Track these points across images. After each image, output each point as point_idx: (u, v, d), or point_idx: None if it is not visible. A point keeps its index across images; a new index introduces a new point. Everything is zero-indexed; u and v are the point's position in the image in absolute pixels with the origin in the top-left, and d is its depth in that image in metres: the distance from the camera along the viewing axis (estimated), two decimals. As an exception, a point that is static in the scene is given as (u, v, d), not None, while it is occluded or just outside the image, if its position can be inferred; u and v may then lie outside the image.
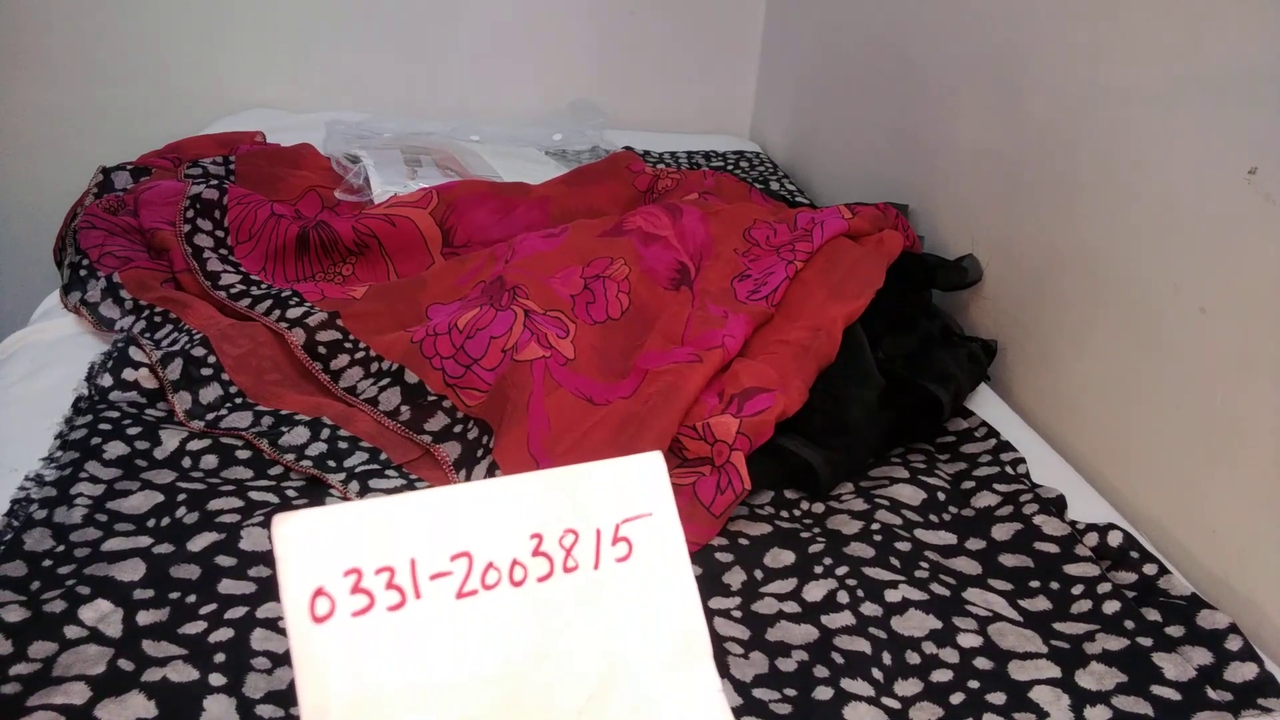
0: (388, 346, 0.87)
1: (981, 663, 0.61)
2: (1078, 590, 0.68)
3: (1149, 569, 0.70)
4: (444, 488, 0.34)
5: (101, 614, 0.58)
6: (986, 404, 0.96)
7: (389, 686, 0.32)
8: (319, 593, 0.31)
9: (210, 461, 0.75)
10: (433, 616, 0.33)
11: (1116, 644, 0.62)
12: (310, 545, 0.31)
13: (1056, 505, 0.78)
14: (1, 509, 0.67)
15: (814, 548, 0.72)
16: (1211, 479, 0.74)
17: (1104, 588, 0.67)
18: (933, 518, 0.76)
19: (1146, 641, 0.62)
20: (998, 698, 0.59)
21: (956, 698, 0.59)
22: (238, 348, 0.85)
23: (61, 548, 0.64)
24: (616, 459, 0.37)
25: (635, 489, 0.37)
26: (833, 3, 1.53)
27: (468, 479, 0.76)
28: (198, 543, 0.65)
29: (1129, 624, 0.64)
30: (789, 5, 1.72)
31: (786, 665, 0.61)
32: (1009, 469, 0.82)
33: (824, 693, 0.58)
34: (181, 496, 0.70)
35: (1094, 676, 0.60)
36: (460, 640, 0.33)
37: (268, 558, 0.64)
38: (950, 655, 0.62)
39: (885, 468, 0.83)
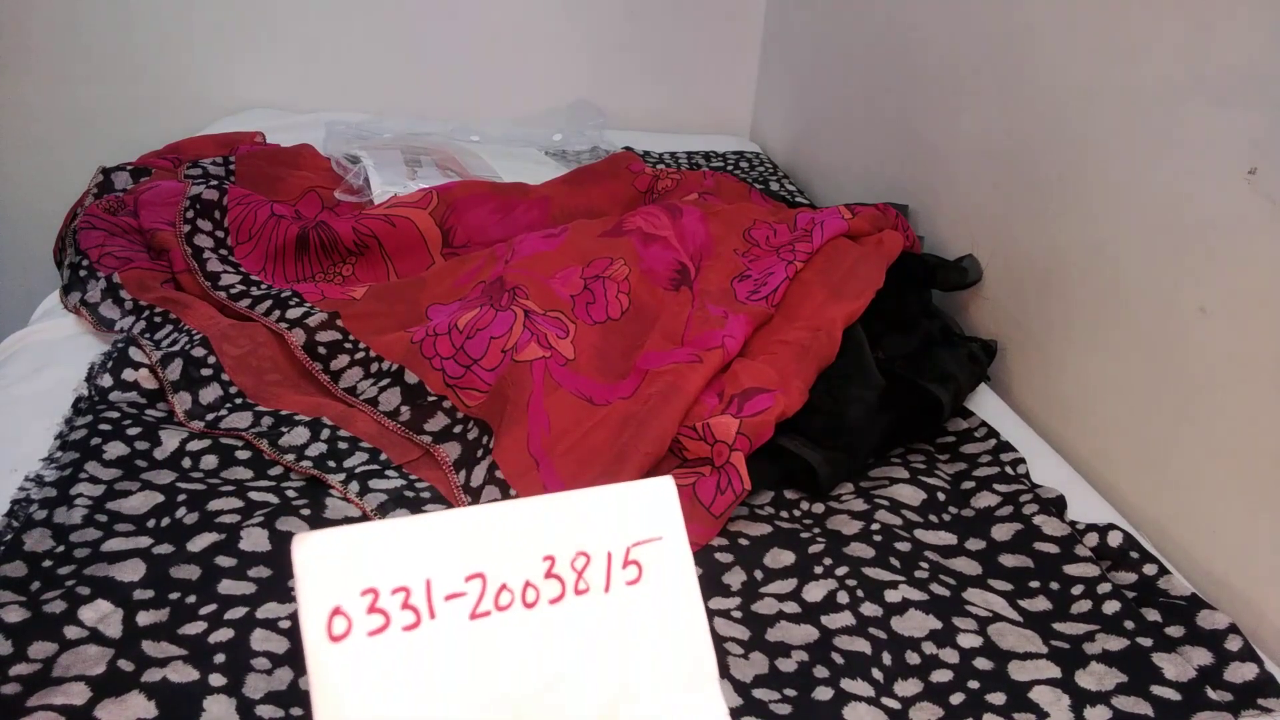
0: (388, 347, 0.87)
1: (981, 663, 0.61)
2: (1078, 590, 0.68)
3: (1149, 569, 0.70)
4: (459, 510, 0.35)
5: (101, 614, 0.58)
6: (986, 404, 0.96)
7: (403, 705, 0.32)
8: (336, 612, 0.32)
9: (210, 462, 0.75)
10: (447, 637, 0.33)
11: (1116, 644, 0.62)
12: (329, 565, 0.32)
13: (1056, 505, 0.78)
14: (1, 509, 0.67)
15: (814, 548, 0.72)
16: (1211, 479, 0.74)
17: (1104, 588, 0.67)
18: (933, 518, 0.76)
19: (1146, 642, 0.62)
20: (998, 698, 0.59)
21: (956, 698, 0.59)
22: (238, 348, 0.85)
23: (61, 548, 0.64)
24: (628, 483, 0.37)
25: (646, 512, 0.37)
26: (833, 3, 1.53)
27: (468, 479, 0.76)
28: (198, 543, 0.65)
29: (1129, 624, 0.64)
30: (789, 5, 1.72)
31: (786, 665, 0.61)
32: (1009, 469, 0.82)
33: (824, 693, 0.58)
34: (181, 497, 0.70)
35: (1094, 677, 0.60)
36: (473, 661, 0.34)
37: (268, 558, 0.64)
38: (950, 655, 0.62)
39: (885, 468, 0.83)
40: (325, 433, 0.79)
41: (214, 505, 0.69)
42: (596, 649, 0.36)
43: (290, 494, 0.72)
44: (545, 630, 0.35)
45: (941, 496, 0.79)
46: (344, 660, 0.32)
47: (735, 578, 0.68)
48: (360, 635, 0.32)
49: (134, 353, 0.84)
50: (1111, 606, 0.66)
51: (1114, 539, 0.73)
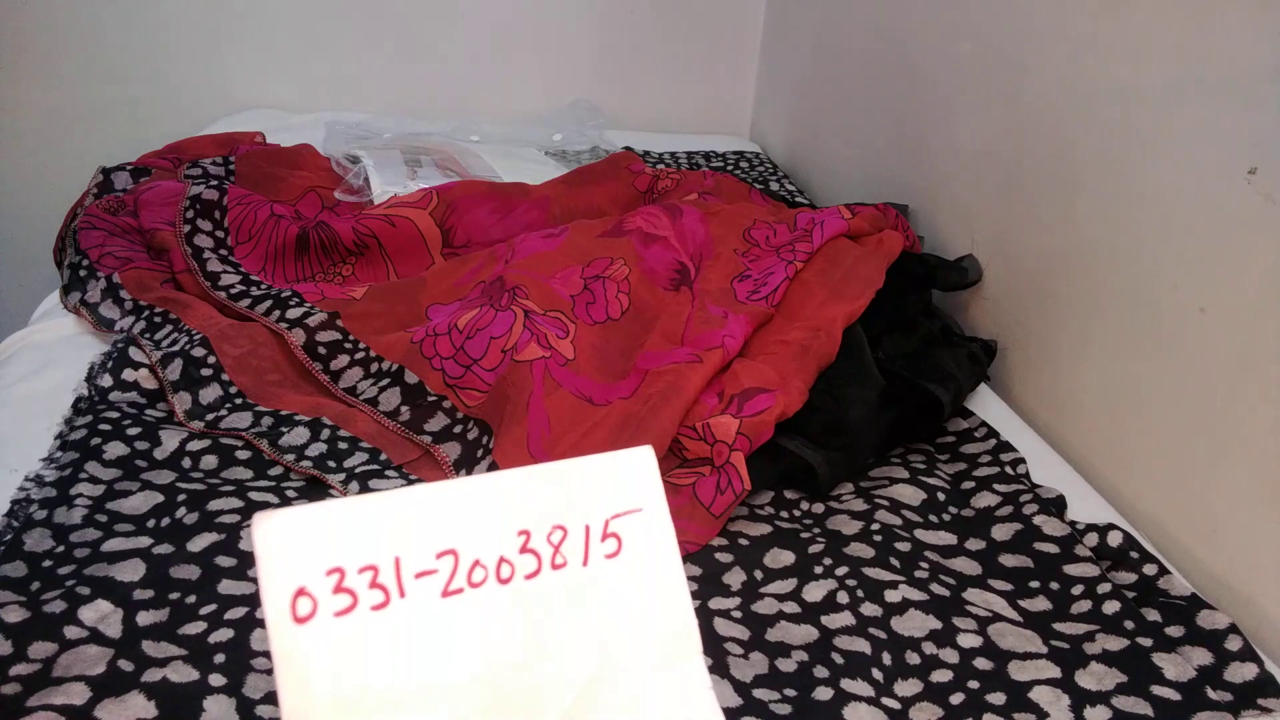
0: (388, 347, 0.87)
1: (981, 663, 0.61)
2: (1078, 590, 0.68)
3: (1149, 569, 0.70)
4: (428, 485, 0.34)
5: (101, 614, 0.58)
6: (986, 404, 0.96)
7: (373, 687, 0.32)
8: (300, 592, 0.31)
9: (210, 462, 0.75)
10: (417, 616, 0.33)
11: (1116, 644, 0.62)
12: (291, 544, 0.31)
13: (1056, 505, 0.78)
14: (1, 509, 0.67)
15: (814, 548, 0.72)
16: (1211, 479, 0.74)
17: (1104, 588, 0.67)
18: (932, 518, 0.76)
19: (1146, 642, 0.62)
20: (998, 698, 0.59)
21: (956, 698, 0.59)
22: (238, 348, 0.85)
23: (61, 548, 0.64)
24: (606, 453, 0.37)
25: (625, 484, 0.37)
26: (833, 3, 1.53)
27: (468, 479, 0.76)
28: (198, 543, 0.65)
29: (1129, 624, 0.64)
30: (789, 5, 1.73)
31: (786, 665, 0.61)
32: (1009, 469, 0.82)
33: (824, 693, 0.58)
34: (181, 497, 0.70)
35: (1094, 677, 0.60)
36: (446, 640, 0.33)
37: (268, 558, 0.64)
38: (950, 655, 0.62)
39: (885, 468, 0.83)
40: (325, 433, 0.79)
41: (214, 505, 0.69)
42: (575, 625, 0.35)
43: (290, 494, 0.72)
44: (521, 606, 0.34)
45: (941, 496, 0.79)
46: (309, 642, 0.31)
47: (735, 578, 0.68)
48: (326, 616, 0.31)
49: (134, 353, 0.84)
50: (1111, 606, 0.66)
51: (1114, 539, 0.73)
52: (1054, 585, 0.69)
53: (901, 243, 1.02)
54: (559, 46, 1.79)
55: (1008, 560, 0.72)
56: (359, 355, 0.87)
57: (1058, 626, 0.65)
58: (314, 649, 0.31)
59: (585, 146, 1.58)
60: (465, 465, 0.78)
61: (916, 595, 0.66)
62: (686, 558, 0.70)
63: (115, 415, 0.77)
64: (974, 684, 0.60)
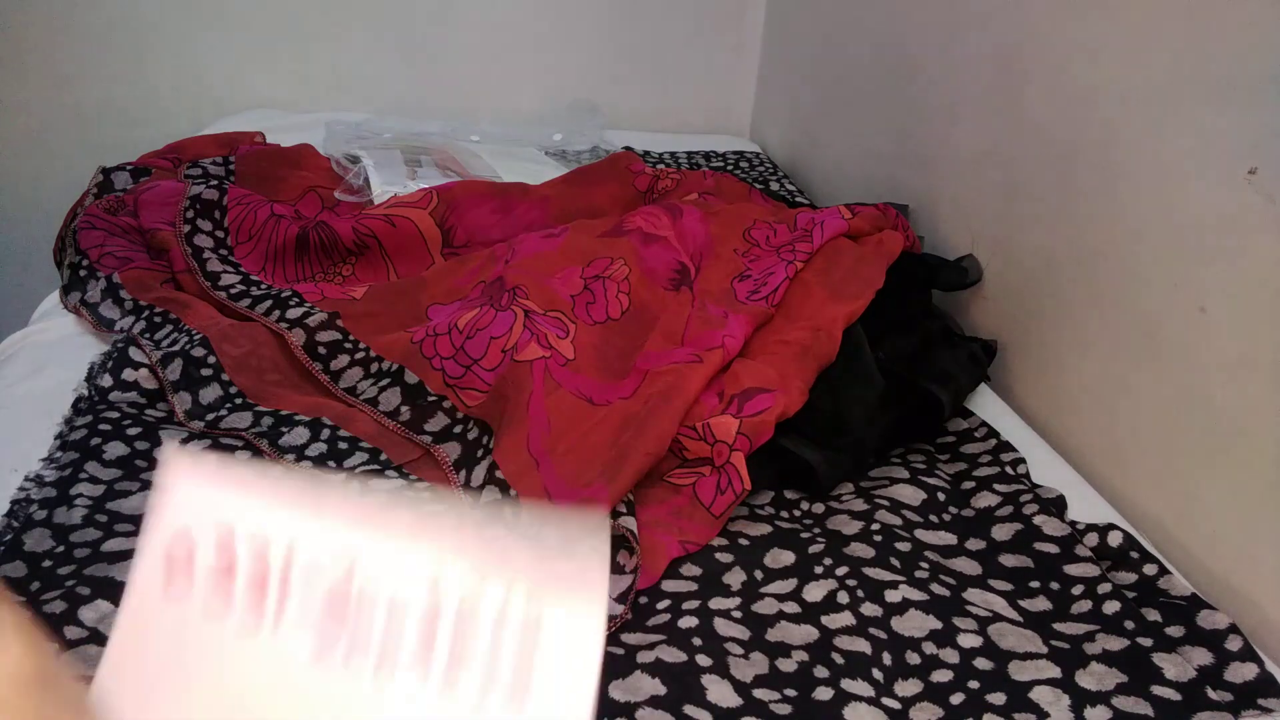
0: (388, 347, 0.87)
1: (981, 663, 0.61)
2: (1078, 590, 0.68)
3: (1149, 569, 0.70)
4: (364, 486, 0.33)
5: (101, 614, 0.58)
6: (986, 404, 0.95)
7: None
8: (183, 533, 0.31)
9: (210, 462, 0.75)
10: (293, 613, 0.32)
11: (1116, 644, 0.62)
12: (196, 486, 0.31)
13: (1056, 505, 0.78)
14: (1, 509, 0.67)
15: (814, 548, 0.72)
16: (1211, 479, 0.74)
17: (1104, 588, 0.67)
18: (933, 518, 0.76)
19: (1146, 642, 0.62)
20: (998, 698, 0.59)
21: (956, 698, 0.59)
22: (238, 348, 0.85)
23: (61, 548, 0.64)
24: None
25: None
26: (833, 3, 1.53)
27: (468, 479, 0.76)
28: (198, 543, 0.65)
29: (1129, 624, 0.64)
30: (789, 5, 1.73)
31: (786, 665, 0.61)
32: (1009, 469, 0.82)
33: (824, 693, 0.58)
34: (181, 497, 0.69)
35: (1094, 677, 0.60)
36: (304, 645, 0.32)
37: (268, 558, 0.64)
38: (950, 655, 0.62)
39: (885, 468, 0.83)
40: (325, 433, 0.79)
41: (214, 505, 0.69)
42: None
43: (290, 494, 0.72)
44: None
45: (941, 496, 0.79)
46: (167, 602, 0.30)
47: (735, 578, 0.68)
48: (197, 570, 0.31)
49: (134, 353, 0.84)
50: (1111, 606, 0.66)
51: (1114, 539, 0.73)
52: (1054, 585, 0.69)
53: (901, 243, 1.02)
54: (559, 46, 1.79)
55: (1008, 560, 0.72)
56: (359, 355, 0.87)
57: (1058, 626, 0.65)
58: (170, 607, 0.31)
59: (585, 146, 1.58)
60: (465, 465, 0.78)
61: (916, 595, 0.66)
62: (687, 558, 0.70)
63: (115, 415, 0.77)
64: (974, 684, 0.60)
